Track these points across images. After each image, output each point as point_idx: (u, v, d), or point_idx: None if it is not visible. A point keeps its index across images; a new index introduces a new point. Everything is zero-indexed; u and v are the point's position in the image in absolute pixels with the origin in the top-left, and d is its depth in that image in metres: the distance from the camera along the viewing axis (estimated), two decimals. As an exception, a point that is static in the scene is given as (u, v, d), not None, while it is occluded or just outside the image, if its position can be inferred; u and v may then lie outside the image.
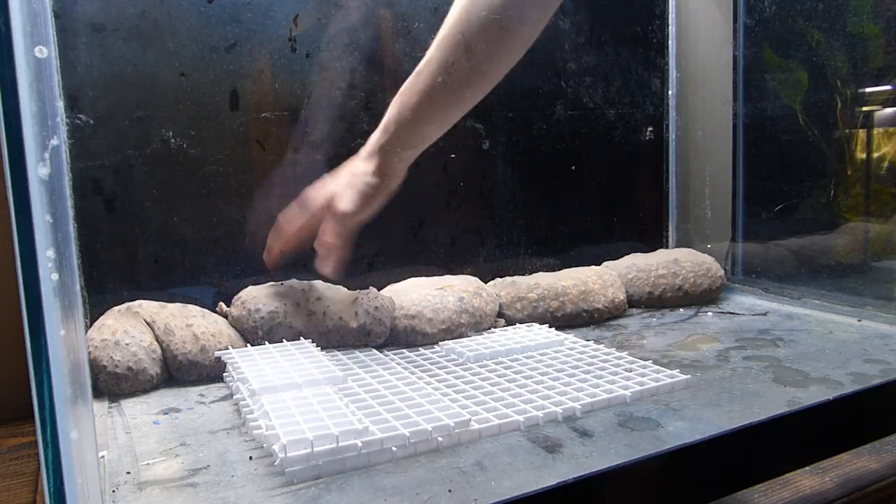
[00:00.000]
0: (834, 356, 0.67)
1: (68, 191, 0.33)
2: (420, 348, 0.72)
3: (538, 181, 0.97)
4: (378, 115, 0.68)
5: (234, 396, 0.59)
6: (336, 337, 0.70)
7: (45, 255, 0.31)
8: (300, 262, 0.75)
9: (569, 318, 0.82)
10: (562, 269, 0.91)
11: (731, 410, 0.54)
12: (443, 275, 0.86)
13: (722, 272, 0.93)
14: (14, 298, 0.32)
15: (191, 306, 0.70)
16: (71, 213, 0.33)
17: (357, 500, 0.42)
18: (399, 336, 0.73)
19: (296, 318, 0.69)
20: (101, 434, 0.53)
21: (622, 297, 0.87)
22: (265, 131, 0.78)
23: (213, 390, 0.63)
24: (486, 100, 0.90)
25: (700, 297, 0.91)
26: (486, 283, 0.84)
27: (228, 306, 0.72)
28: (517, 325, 0.80)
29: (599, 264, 0.94)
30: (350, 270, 0.75)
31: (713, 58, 1.05)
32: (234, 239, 0.77)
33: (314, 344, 0.68)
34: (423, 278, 0.83)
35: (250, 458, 0.48)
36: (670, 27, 1.04)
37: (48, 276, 0.31)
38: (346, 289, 0.74)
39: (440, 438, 0.49)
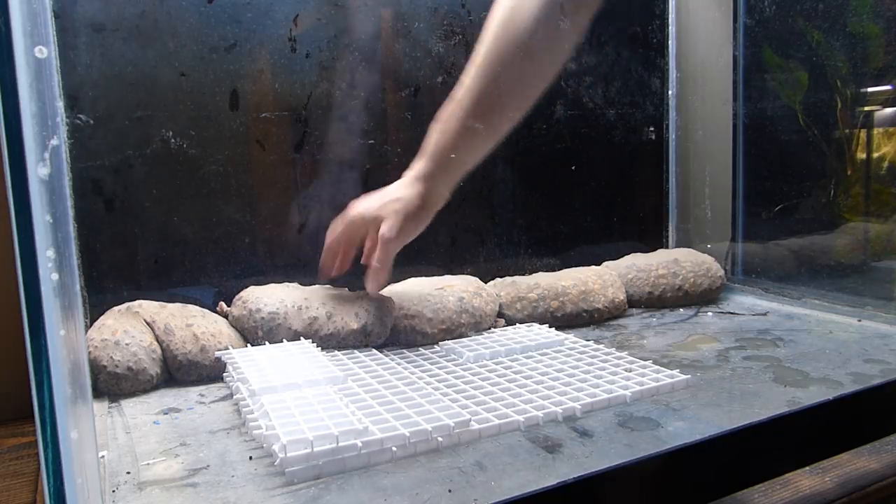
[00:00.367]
0: (834, 356, 0.67)
1: (68, 191, 0.33)
2: (420, 348, 0.72)
3: (538, 181, 0.97)
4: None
5: (234, 396, 0.59)
6: (336, 338, 0.70)
7: (45, 255, 0.31)
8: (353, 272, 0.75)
9: (569, 318, 0.82)
10: (562, 269, 0.91)
11: (731, 410, 0.54)
12: (443, 275, 0.86)
13: (722, 272, 0.93)
14: (14, 298, 0.32)
15: (191, 306, 0.70)
16: (71, 213, 0.33)
17: (357, 500, 0.42)
18: (399, 336, 0.73)
19: (296, 318, 0.69)
20: (101, 434, 0.53)
21: (622, 297, 0.87)
22: (265, 131, 0.78)
23: (213, 390, 0.63)
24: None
25: (700, 297, 0.91)
26: (486, 283, 0.84)
27: (229, 306, 0.72)
28: (517, 325, 0.80)
29: (599, 264, 0.94)
30: (350, 271, 0.75)
31: (713, 58, 1.05)
32: (234, 239, 0.77)
33: (314, 344, 0.68)
34: (423, 278, 0.83)
35: (250, 458, 0.48)
36: (670, 27, 1.04)
37: (48, 276, 0.31)
38: (347, 289, 0.74)
39: (440, 438, 0.49)
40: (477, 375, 0.63)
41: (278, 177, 0.79)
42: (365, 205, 0.70)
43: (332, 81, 0.81)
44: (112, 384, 0.61)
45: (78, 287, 0.34)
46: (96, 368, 0.60)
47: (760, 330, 0.78)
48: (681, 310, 0.90)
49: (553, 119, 0.96)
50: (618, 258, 0.96)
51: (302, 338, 0.69)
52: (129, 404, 0.60)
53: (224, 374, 0.65)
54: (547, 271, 0.91)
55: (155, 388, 0.63)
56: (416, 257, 0.88)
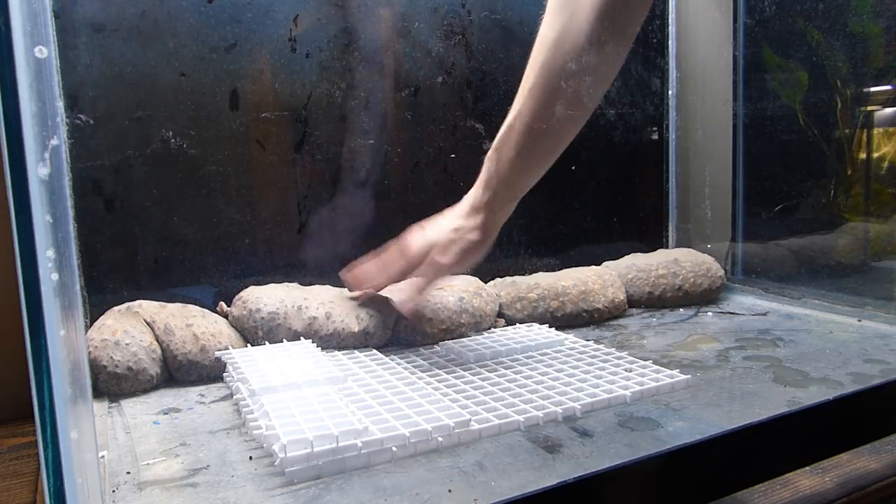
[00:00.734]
0: (834, 356, 0.67)
1: (68, 191, 0.33)
2: (420, 348, 0.72)
3: (538, 181, 0.97)
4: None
5: (234, 396, 0.59)
6: (336, 338, 0.69)
7: (45, 255, 0.31)
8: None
9: (569, 318, 0.82)
10: (562, 269, 0.91)
11: (731, 410, 0.54)
12: (443, 275, 0.86)
13: (722, 272, 0.93)
14: (14, 298, 0.32)
15: (191, 306, 0.70)
16: (71, 213, 0.33)
17: (357, 500, 0.42)
18: (399, 336, 0.73)
19: (296, 318, 0.69)
20: (101, 434, 0.53)
21: (622, 297, 0.87)
22: (265, 131, 0.78)
23: (213, 390, 0.63)
24: (487, 100, 0.91)
25: (700, 297, 0.91)
26: (486, 283, 0.84)
27: (229, 306, 0.72)
28: (517, 325, 0.80)
29: (599, 264, 0.94)
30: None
31: (713, 58, 1.05)
32: (234, 239, 0.77)
33: (314, 344, 0.68)
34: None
35: (250, 458, 0.48)
36: (670, 27, 1.04)
37: (48, 276, 0.31)
38: (348, 290, 0.74)
39: (440, 438, 0.49)
40: (477, 375, 0.63)
41: (278, 177, 0.79)
42: (421, 239, 0.68)
43: (332, 81, 0.81)
44: (112, 384, 0.61)
45: (78, 287, 0.34)
46: (96, 368, 0.60)
47: (760, 330, 0.78)
48: (681, 310, 0.90)
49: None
50: (618, 258, 0.95)
51: (302, 338, 0.69)
52: (129, 404, 0.60)
53: (224, 374, 0.65)
54: (547, 271, 0.91)
55: (155, 388, 0.63)
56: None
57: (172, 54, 0.73)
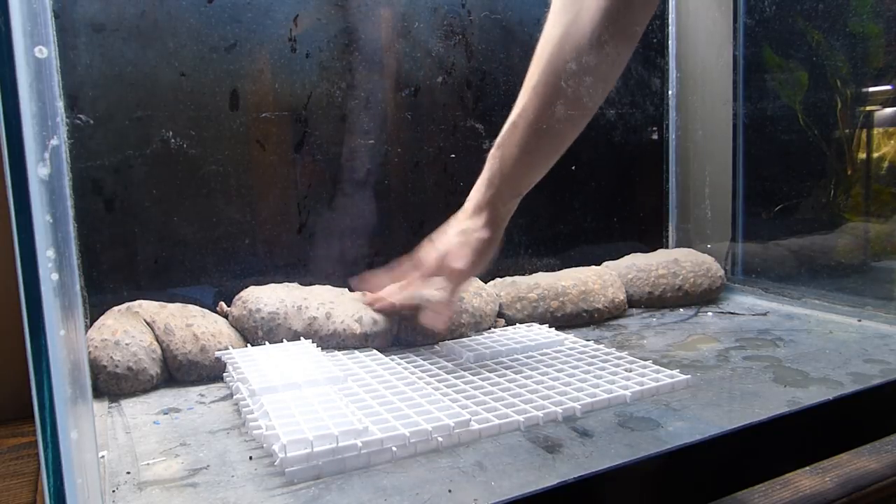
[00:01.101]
0: (834, 356, 0.67)
1: (68, 191, 0.33)
2: (420, 348, 0.72)
3: (538, 181, 0.97)
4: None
5: (234, 396, 0.59)
6: (336, 338, 0.69)
7: (45, 255, 0.31)
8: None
9: (569, 318, 0.82)
10: (562, 269, 0.91)
11: (731, 410, 0.54)
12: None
13: (722, 272, 0.93)
14: (14, 298, 0.32)
15: (191, 306, 0.70)
16: (71, 213, 0.33)
17: (357, 500, 0.42)
18: (399, 336, 0.73)
19: (296, 318, 0.69)
20: (101, 434, 0.53)
21: (622, 297, 0.87)
22: (265, 131, 0.78)
23: (213, 390, 0.63)
24: (487, 100, 0.91)
25: (700, 297, 0.91)
26: (486, 283, 0.84)
27: (229, 306, 0.72)
28: (517, 325, 0.80)
29: (599, 264, 0.94)
30: (350, 271, 0.75)
31: (713, 58, 1.05)
32: (234, 239, 0.77)
33: (314, 344, 0.68)
34: (423, 278, 0.83)
35: (250, 458, 0.48)
36: (670, 27, 1.04)
37: (48, 276, 0.31)
38: (349, 290, 0.74)
39: (440, 438, 0.49)
40: (477, 375, 0.63)
41: (278, 177, 0.79)
42: (432, 250, 0.68)
43: (332, 81, 0.81)
44: (112, 384, 0.61)
45: (78, 287, 0.34)
46: (96, 368, 0.60)
47: (760, 330, 0.78)
48: (681, 310, 0.90)
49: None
50: (618, 258, 0.96)
51: (302, 338, 0.69)
52: (129, 404, 0.60)
53: (224, 374, 0.65)
54: (547, 271, 0.91)
55: (155, 388, 0.63)
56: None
57: (172, 54, 0.73)
